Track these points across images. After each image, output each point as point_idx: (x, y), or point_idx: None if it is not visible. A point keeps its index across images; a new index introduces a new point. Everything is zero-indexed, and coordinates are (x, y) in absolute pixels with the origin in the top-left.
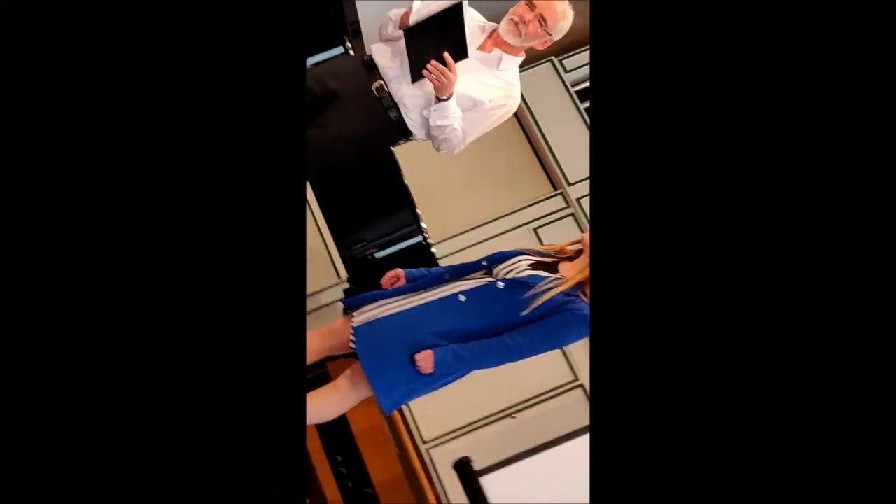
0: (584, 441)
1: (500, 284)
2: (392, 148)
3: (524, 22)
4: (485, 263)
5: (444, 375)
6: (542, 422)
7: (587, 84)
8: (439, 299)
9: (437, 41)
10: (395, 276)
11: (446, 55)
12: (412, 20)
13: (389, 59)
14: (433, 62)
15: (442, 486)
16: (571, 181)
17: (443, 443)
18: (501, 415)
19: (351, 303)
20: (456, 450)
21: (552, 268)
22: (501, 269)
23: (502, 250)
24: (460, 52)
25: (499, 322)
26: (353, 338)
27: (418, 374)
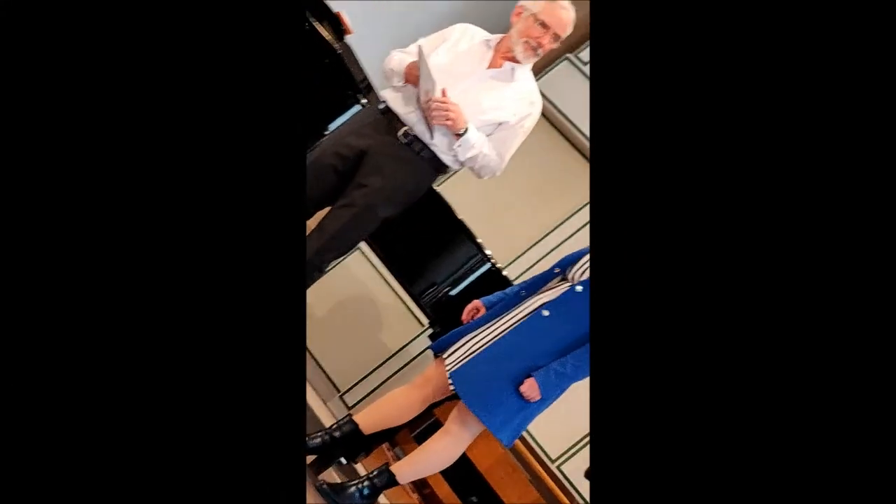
0: None
1: (579, 288)
2: (434, 186)
3: (540, 44)
4: (557, 270)
5: (551, 395)
6: None
7: None
8: (524, 321)
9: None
10: (474, 308)
11: (443, 90)
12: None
13: (404, 105)
14: (431, 104)
15: (583, 499)
16: None
17: (571, 456)
18: None
19: (439, 345)
20: (587, 458)
21: None
22: (576, 272)
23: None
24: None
25: (588, 325)
26: (451, 382)
27: (527, 402)
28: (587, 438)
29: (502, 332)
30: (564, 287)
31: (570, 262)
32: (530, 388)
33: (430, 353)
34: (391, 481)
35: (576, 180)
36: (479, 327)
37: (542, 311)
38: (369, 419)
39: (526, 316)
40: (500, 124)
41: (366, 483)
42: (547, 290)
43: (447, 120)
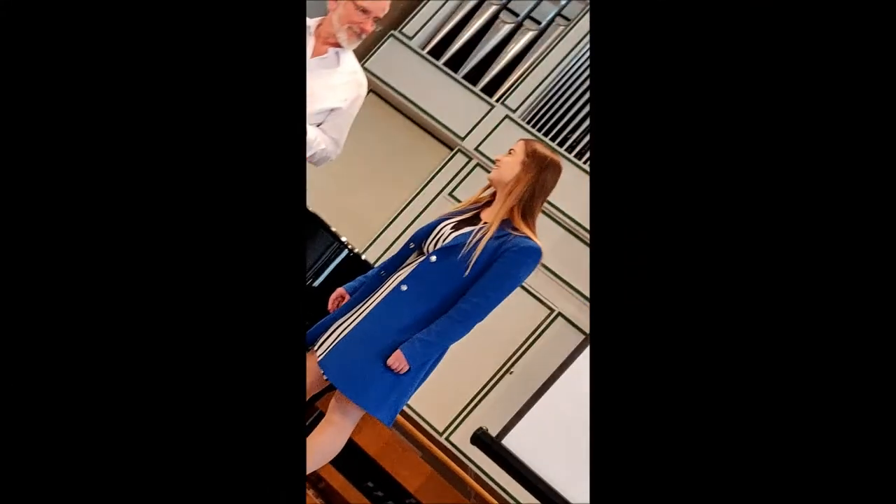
0: (580, 365)
1: (433, 258)
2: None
3: (363, 30)
4: (412, 245)
5: (422, 365)
6: (537, 363)
7: (436, 42)
8: (384, 298)
9: None
10: (339, 296)
11: None
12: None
13: None
14: None
15: (476, 465)
16: (462, 135)
17: (457, 426)
18: (500, 375)
19: (309, 337)
20: (472, 426)
21: (475, 220)
22: (429, 243)
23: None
24: None
25: (449, 293)
26: (322, 371)
27: (399, 376)
28: (472, 404)
29: (365, 312)
30: (420, 259)
31: (423, 235)
32: (397, 360)
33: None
34: None
35: (420, 153)
36: (345, 314)
37: (400, 287)
38: None
39: (387, 292)
40: (332, 111)
41: None
42: (405, 267)
43: None
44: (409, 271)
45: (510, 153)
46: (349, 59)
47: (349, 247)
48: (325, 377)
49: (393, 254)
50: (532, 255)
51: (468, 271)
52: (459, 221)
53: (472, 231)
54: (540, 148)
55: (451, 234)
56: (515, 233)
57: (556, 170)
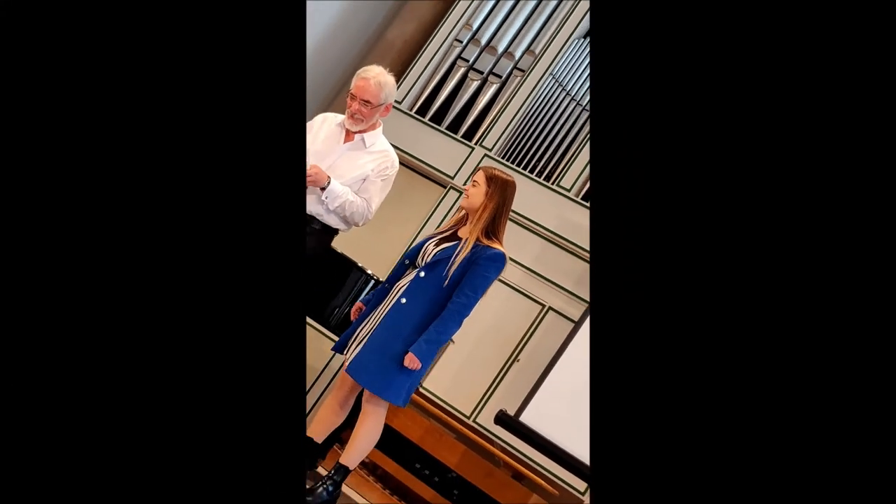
0: (573, 347)
1: (422, 273)
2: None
3: (353, 112)
4: (407, 262)
5: (429, 359)
6: (538, 350)
7: (420, 102)
8: (389, 310)
9: None
10: (357, 308)
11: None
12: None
13: None
14: None
15: (501, 440)
16: (452, 174)
17: (481, 409)
18: (508, 364)
19: (338, 345)
20: (494, 408)
21: (454, 237)
22: (419, 260)
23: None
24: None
25: (439, 298)
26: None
27: (412, 371)
28: (490, 391)
29: (377, 322)
30: (412, 275)
31: (414, 252)
32: (411, 361)
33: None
34: (345, 471)
35: (418, 196)
36: (362, 322)
37: (400, 300)
38: (315, 430)
39: (390, 305)
40: (363, 180)
41: (327, 482)
42: (404, 279)
43: (309, 181)
44: (406, 286)
45: (474, 184)
46: (377, 141)
47: (374, 277)
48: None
49: (393, 269)
50: (498, 261)
51: (448, 280)
52: (440, 239)
53: (451, 247)
54: (496, 172)
55: (433, 250)
56: (484, 243)
57: (513, 187)
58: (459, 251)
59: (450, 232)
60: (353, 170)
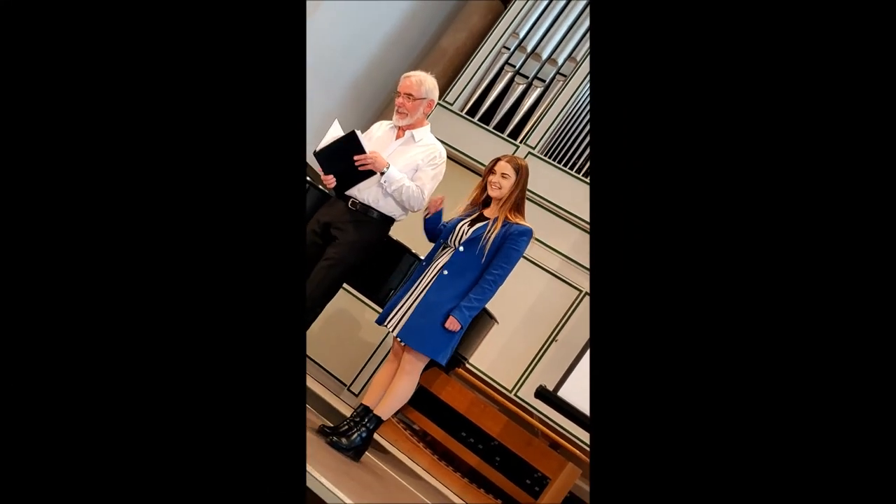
0: None
1: (462, 248)
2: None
3: (399, 106)
4: (442, 241)
5: (467, 322)
6: (575, 331)
7: (471, 104)
8: (434, 281)
9: (341, 152)
10: (438, 201)
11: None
12: (323, 145)
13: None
14: (361, 156)
15: (540, 413)
16: None
17: (522, 384)
18: (548, 344)
19: (382, 317)
20: (534, 383)
21: (481, 218)
22: (455, 239)
23: (445, 227)
24: (360, 149)
25: (476, 269)
26: (399, 339)
27: (454, 333)
28: (530, 368)
29: (421, 292)
30: (451, 251)
31: (448, 232)
32: (452, 324)
33: None
34: (378, 420)
35: (468, 192)
36: (403, 297)
37: (443, 272)
38: (371, 398)
39: (434, 278)
40: (415, 170)
41: (362, 429)
42: (442, 255)
43: (370, 165)
44: (447, 259)
45: (503, 177)
46: (425, 135)
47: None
48: (402, 343)
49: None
50: (526, 234)
51: (485, 254)
52: (471, 220)
53: (484, 226)
54: (519, 161)
55: (469, 230)
56: (511, 220)
57: (527, 170)
58: (493, 228)
59: (476, 214)
60: (406, 163)
